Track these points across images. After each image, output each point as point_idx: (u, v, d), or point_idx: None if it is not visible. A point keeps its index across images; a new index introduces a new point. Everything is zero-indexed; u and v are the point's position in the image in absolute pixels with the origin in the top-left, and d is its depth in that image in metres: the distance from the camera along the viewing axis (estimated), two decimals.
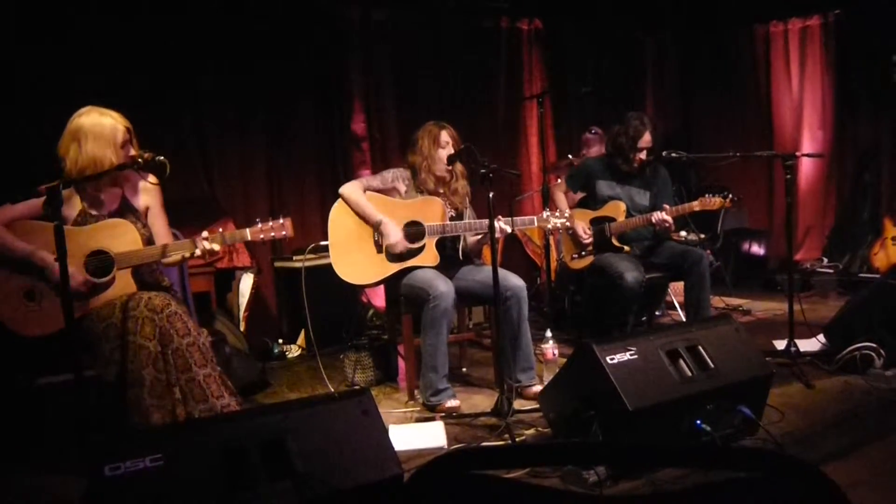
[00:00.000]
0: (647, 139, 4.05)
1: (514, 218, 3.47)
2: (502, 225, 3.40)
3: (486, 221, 3.42)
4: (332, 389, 3.76)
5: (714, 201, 3.88)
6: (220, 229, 2.96)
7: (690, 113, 7.46)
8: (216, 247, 2.91)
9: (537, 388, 3.52)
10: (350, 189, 3.62)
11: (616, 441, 2.41)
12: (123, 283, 2.84)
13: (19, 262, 2.76)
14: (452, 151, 3.61)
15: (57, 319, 2.70)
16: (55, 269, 2.64)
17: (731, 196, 3.87)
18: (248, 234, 2.98)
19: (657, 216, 3.91)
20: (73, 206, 2.86)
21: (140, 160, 2.76)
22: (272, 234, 2.98)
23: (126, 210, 2.97)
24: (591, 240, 4.08)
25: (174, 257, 2.98)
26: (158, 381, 2.63)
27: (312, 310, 3.84)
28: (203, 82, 4.84)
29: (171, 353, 2.66)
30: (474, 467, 1.13)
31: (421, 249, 3.56)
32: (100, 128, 2.80)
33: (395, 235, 3.53)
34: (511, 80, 6.37)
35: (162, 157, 2.72)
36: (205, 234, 2.90)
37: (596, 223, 4.16)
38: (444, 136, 3.63)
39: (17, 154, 3.95)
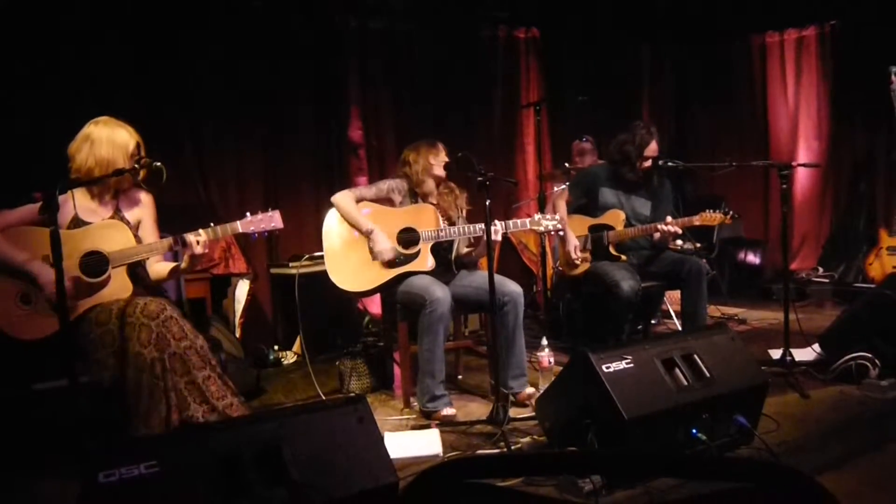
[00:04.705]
0: (653, 148, 4.07)
1: (507, 221, 3.51)
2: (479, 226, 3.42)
3: (479, 226, 3.45)
4: (323, 396, 3.74)
5: (714, 217, 3.88)
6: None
7: (686, 123, 7.47)
8: (203, 238, 2.90)
9: (530, 390, 3.53)
10: (341, 198, 3.63)
11: (611, 450, 2.41)
12: (119, 281, 2.83)
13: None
14: (446, 161, 3.65)
15: (52, 323, 2.70)
16: (47, 282, 2.66)
17: (731, 213, 3.88)
18: (239, 226, 3.00)
19: (664, 227, 3.91)
20: (66, 213, 2.86)
21: (137, 165, 2.79)
22: (262, 225, 3.01)
23: (118, 219, 2.97)
24: (580, 262, 4.10)
25: (166, 269, 2.99)
26: (156, 387, 2.64)
27: (308, 317, 3.84)
28: (200, 89, 4.83)
29: (168, 357, 2.66)
30: (468, 477, 1.13)
31: (416, 255, 3.57)
32: (115, 135, 2.88)
33: (383, 243, 3.54)
34: (508, 89, 6.38)
35: (159, 164, 2.76)
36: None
37: (594, 230, 4.17)
38: (440, 146, 3.69)
39: (13, 161, 3.94)
